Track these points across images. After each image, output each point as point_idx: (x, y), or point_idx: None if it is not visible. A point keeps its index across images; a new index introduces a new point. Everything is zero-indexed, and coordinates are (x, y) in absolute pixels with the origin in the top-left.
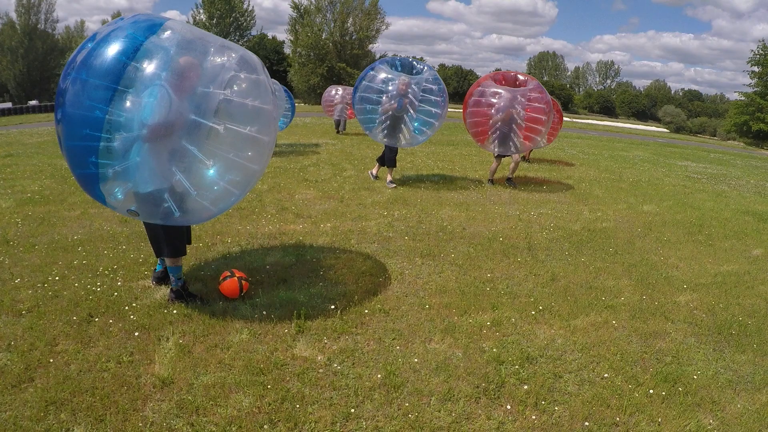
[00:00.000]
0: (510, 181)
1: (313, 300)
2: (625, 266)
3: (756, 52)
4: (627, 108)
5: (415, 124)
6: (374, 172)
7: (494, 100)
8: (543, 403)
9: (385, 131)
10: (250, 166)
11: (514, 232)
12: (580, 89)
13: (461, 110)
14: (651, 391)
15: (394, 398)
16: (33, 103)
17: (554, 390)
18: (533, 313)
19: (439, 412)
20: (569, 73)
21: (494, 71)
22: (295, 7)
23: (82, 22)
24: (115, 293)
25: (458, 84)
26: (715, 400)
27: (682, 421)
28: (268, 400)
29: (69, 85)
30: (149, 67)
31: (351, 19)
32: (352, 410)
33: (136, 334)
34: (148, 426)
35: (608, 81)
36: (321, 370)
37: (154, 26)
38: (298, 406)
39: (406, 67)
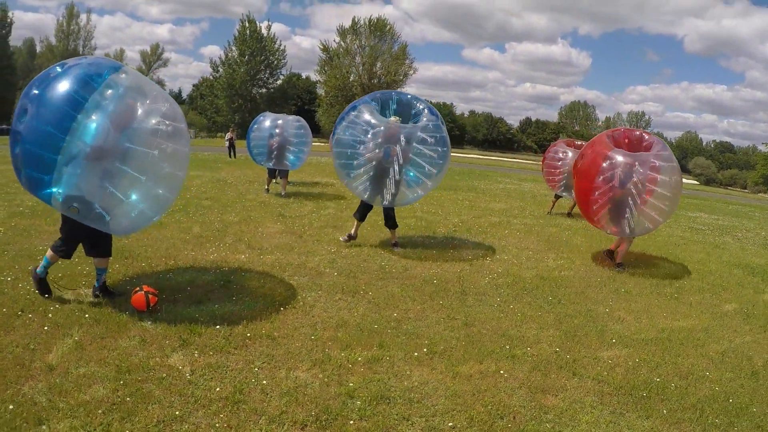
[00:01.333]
0: (620, 266)
1: (211, 319)
2: (560, 316)
3: None
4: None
5: (411, 180)
6: (352, 232)
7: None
8: None
9: (368, 184)
10: (165, 194)
11: (454, 275)
12: None
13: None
14: None
15: (226, 411)
16: None
17: (387, 430)
18: (416, 354)
19: (258, 429)
20: (600, 123)
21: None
22: (325, 49)
23: (122, 51)
24: (46, 296)
25: (488, 131)
26: None
27: None
28: (120, 394)
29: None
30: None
31: (379, 63)
32: (180, 414)
33: (46, 328)
34: (19, 397)
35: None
36: (179, 379)
37: (116, 67)
38: (140, 402)
39: (403, 105)
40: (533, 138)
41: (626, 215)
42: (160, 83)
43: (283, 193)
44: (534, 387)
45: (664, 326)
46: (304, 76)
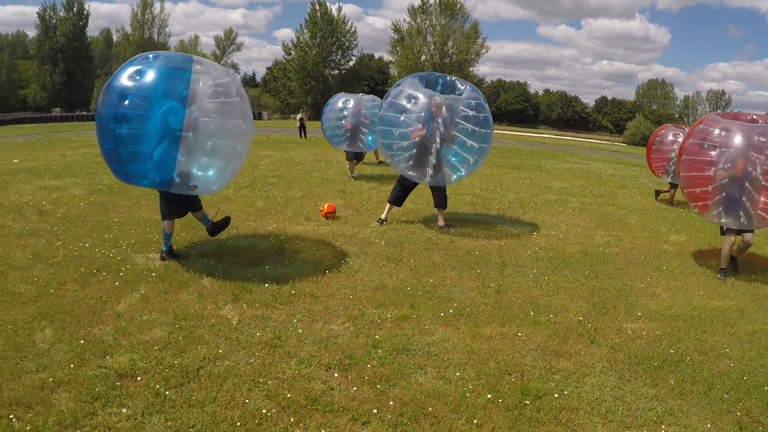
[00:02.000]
0: (734, 266)
1: (262, 279)
2: (593, 289)
3: None
4: None
5: (453, 159)
6: (383, 216)
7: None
8: (382, 382)
9: (411, 162)
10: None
11: (498, 248)
12: (690, 119)
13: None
14: (489, 396)
15: (263, 353)
16: None
17: (402, 376)
18: (443, 315)
19: (288, 368)
20: (678, 102)
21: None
22: (396, 29)
23: (196, 37)
24: (120, 258)
25: (562, 111)
26: (566, 422)
27: (509, 428)
28: (174, 336)
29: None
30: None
31: (450, 42)
32: (224, 353)
33: (117, 284)
34: (89, 336)
35: (719, 111)
36: (227, 326)
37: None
38: (190, 343)
39: (447, 87)
40: (609, 117)
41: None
42: (234, 67)
43: (351, 176)
44: (549, 350)
45: (697, 304)
46: (377, 57)
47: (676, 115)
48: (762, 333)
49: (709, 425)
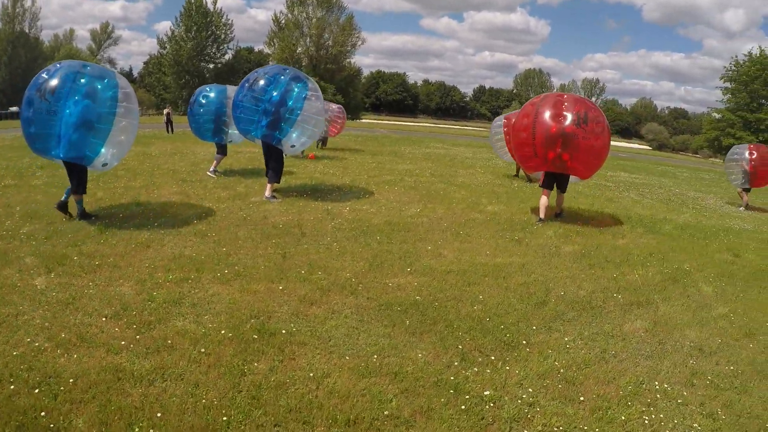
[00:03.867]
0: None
1: (78, 255)
2: (378, 252)
3: (728, 67)
4: (611, 125)
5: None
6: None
7: None
8: (144, 326)
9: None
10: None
11: (305, 221)
12: None
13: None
14: (228, 333)
15: (56, 309)
16: (14, 109)
17: (163, 322)
18: (220, 275)
19: (73, 318)
20: (555, 90)
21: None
22: (276, 20)
23: (72, 31)
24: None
25: (441, 100)
26: (289, 352)
27: (232, 356)
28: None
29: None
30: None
31: (327, 34)
32: (24, 309)
33: None
34: None
35: (593, 98)
36: (34, 291)
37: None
38: (1, 305)
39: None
40: (487, 106)
41: None
42: (111, 62)
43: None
44: (306, 300)
45: (479, 261)
46: (257, 50)
47: None
48: (531, 283)
49: (423, 354)
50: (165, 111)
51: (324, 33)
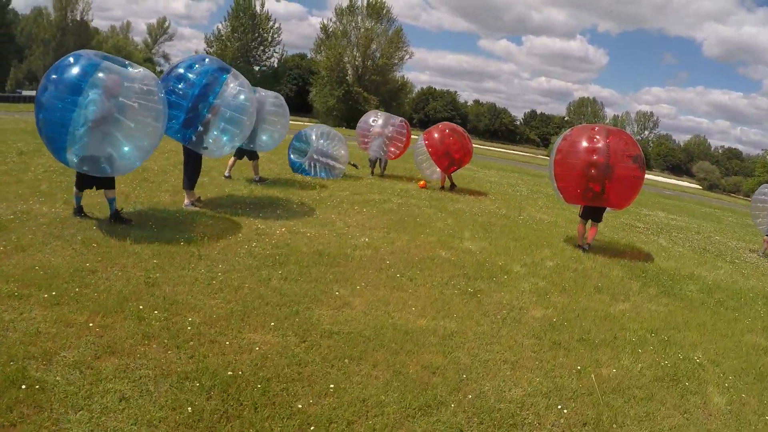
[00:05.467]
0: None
1: None
2: (248, 287)
3: None
4: (662, 161)
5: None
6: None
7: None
8: None
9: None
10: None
11: (203, 235)
12: None
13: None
14: None
15: None
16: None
17: None
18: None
19: None
20: (608, 121)
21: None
22: (324, 28)
23: (128, 24)
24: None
25: (490, 121)
26: None
27: None
28: None
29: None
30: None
31: (374, 45)
32: None
33: None
34: None
35: (646, 132)
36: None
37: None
38: None
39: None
40: (536, 131)
41: None
42: (165, 57)
43: (256, 178)
44: (105, 348)
45: (393, 322)
46: (309, 57)
47: None
48: (442, 367)
49: None
50: None
51: (371, 44)
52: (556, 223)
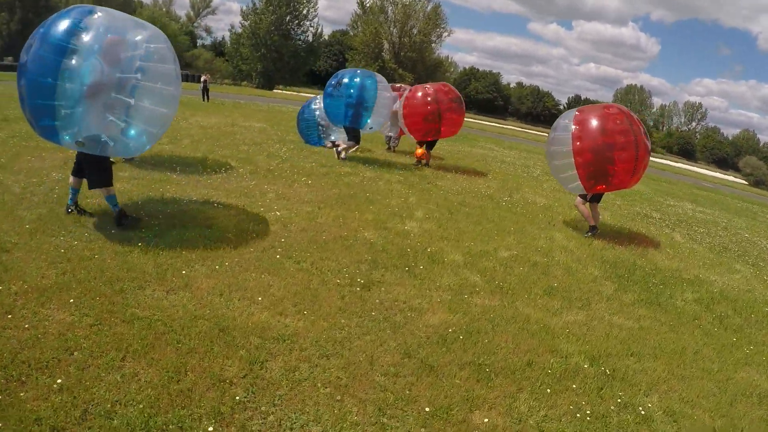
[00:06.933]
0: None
1: None
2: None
3: None
4: (708, 153)
5: None
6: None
7: None
8: None
9: None
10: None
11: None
12: (664, 128)
13: None
14: None
15: None
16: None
17: None
18: None
19: None
20: (654, 110)
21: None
22: (361, 3)
23: None
24: None
25: (533, 105)
26: None
27: None
28: None
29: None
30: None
31: (412, 21)
32: None
33: None
34: None
35: (693, 123)
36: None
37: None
38: None
39: None
40: None
41: None
42: (207, 30)
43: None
44: None
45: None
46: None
47: (651, 123)
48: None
49: None
50: (202, 78)
51: (409, 20)
52: (550, 207)
